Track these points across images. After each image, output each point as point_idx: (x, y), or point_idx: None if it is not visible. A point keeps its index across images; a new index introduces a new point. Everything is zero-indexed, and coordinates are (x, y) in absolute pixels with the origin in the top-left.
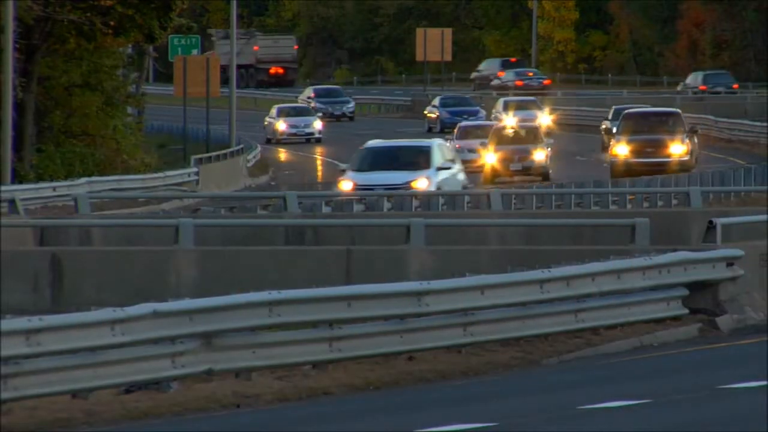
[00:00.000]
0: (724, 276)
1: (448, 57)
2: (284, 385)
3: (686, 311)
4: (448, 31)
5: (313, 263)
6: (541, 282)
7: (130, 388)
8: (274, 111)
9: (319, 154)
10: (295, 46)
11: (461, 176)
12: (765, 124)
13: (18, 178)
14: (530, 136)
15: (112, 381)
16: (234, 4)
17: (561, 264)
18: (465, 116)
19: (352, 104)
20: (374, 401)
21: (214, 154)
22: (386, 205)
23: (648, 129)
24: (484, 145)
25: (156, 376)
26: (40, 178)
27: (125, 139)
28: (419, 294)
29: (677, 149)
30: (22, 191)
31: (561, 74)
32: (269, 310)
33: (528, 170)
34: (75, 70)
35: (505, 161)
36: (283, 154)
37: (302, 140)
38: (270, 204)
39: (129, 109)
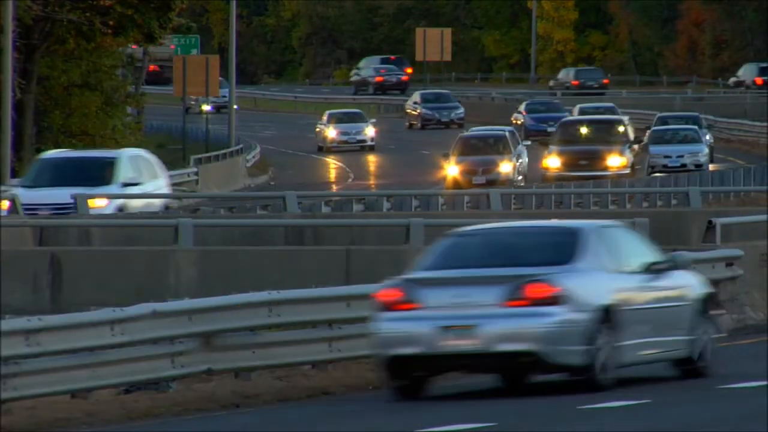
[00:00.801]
0: (723, 276)
1: (448, 57)
2: (284, 385)
3: None
4: (447, 31)
5: (313, 263)
6: None
7: (130, 388)
8: (325, 117)
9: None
10: (172, 46)
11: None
12: (765, 124)
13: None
14: (498, 145)
15: (112, 381)
16: (234, 4)
17: None
18: (551, 123)
19: (461, 110)
20: (374, 401)
21: (213, 154)
22: (386, 205)
23: (585, 139)
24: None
25: (155, 376)
26: None
27: (124, 139)
28: None
29: (615, 161)
30: None
31: None
32: (269, 310)
33: (493, 184)
34: (74, 70)
35: (468, 174)
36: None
37: (355, 148)
38: (269, 204)
39: (129, 109)
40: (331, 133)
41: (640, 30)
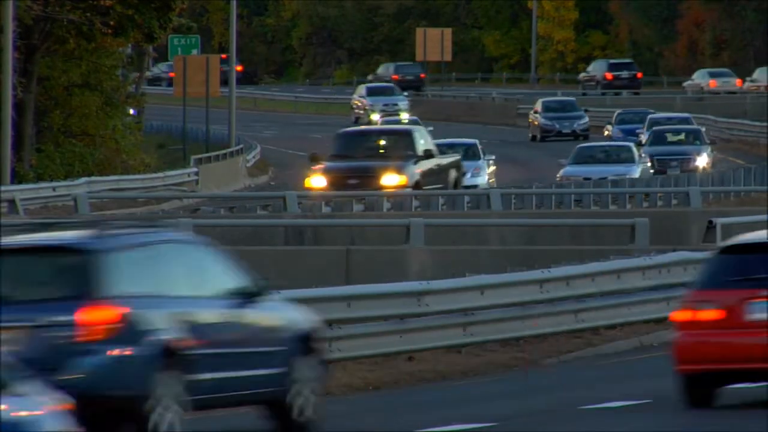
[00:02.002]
0: None
1: (448, 57)
2: None
3: None
4: (447, 31)
5: (313, 263)
6: (541, 282)
7: None
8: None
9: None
10: None
11: None
12: (765, 124)
13: (17, 178)
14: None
15: None
16: (234, 4)
17: (561, 264)
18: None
19: (585, 120)
20: (374, 401)
21: (213, 154)
22: (386, 205)
23: (362, 153)
24: None
25: None
26: (39, 178)
27: (125, 139)
28: (419, 294)
29: (390, 180)
30: (21, 191)
31: (561, 74)
32: None
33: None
34: (74, 70)
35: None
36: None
37: None
38: (269, 204)
39: (129, 110)
40: None
41: (640, 30)
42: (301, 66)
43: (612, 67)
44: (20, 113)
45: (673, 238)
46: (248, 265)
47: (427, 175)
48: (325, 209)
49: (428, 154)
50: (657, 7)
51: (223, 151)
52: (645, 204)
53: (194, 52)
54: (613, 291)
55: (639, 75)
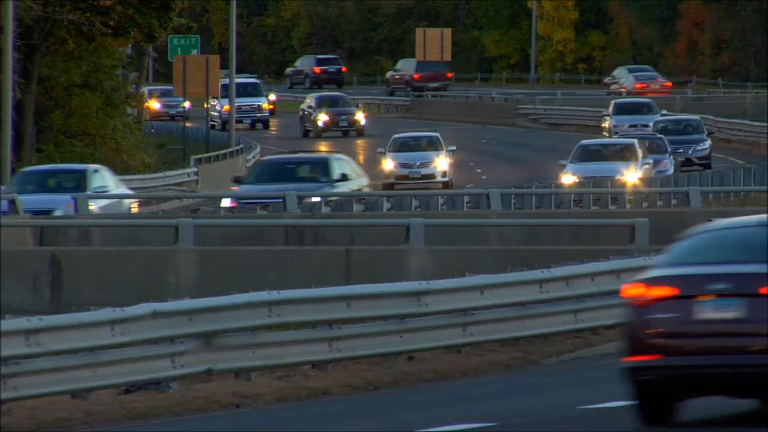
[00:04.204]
0: None
1: (448, 57)
2: (284, 385)
3: None
4: (447, 31)
5: (313, 263)
6: (541, 282)
7: (130, 388)
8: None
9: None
10: None
11: None
12: (765, 124)
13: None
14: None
15: (112, 381)
16: (234, 4)
17: (561, 264)
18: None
19: (706, 144)
20: (374, 401)
21: (213, 154)
22: (386, 205)
23: None
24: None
25: (156, 376)
26: None
27: (125, 139)
28: (419, 294)
29: None
30: None
31: (561, 74)
32: (269, 310)
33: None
34: (74, 70)
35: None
36: None
37: (421, 185)
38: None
39: (128, 110)
40: (388, 164)
41: (640, 30)
42: None
43: (319, 62)
44: (20, 113)
45: (673, 238)
46: (248, 265)
47: None
48: (325, 209)
49: None
50: (657, 7)
51: (223, 151)
52: (645, 204)
53: (194, 52)
54: (613, 291)
55: (344, 69)
